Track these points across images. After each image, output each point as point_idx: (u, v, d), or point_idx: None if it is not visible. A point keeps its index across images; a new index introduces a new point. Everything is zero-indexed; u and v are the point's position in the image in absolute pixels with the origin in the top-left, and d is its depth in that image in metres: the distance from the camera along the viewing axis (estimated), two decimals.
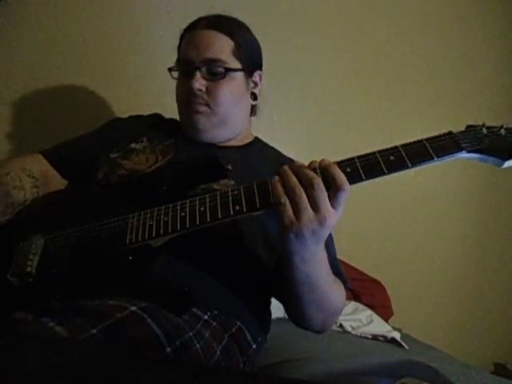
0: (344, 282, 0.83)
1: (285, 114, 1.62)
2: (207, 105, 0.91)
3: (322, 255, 0.69)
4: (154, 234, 0.66)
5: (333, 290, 0.76)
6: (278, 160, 0.95)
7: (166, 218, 0.67)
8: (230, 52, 0.92)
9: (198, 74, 0.89)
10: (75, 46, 1.32)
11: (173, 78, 0.97)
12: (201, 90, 0.90)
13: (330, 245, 0.86)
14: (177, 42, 0.93)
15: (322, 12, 1.69)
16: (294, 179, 0.60)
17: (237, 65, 0.93)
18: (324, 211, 0.59)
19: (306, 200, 0.59)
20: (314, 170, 0.61)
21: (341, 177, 0.59)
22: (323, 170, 0.61)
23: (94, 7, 1.34)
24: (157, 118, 1.10)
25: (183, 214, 0.66)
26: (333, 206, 0.60)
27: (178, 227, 0.65)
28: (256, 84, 1.00)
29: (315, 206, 0.59)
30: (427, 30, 1.88)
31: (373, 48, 1.80)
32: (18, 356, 0.38)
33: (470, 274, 2.03)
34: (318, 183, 0.58)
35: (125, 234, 0.68)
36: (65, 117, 1.29)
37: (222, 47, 0.92)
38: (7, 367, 0.37)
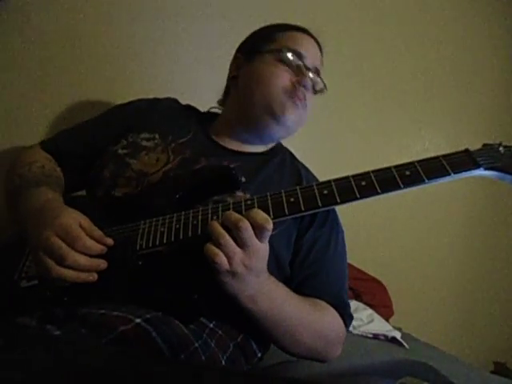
0: (341, 309, 0.80)
1: None
2: (303, 106, 0.87)
3: (271, 288, 0.68)
4: (164, 241, 0.66)
5: (307, 319, 0.73)
6: (297, 172, 0.92)
7: (177, 226, 0.66)
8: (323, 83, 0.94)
9: (311, 74, 0.88)
10: (76, 46, 1.32)
11: (259, 59, 0.88)
12: (308, 90, 0.87)
13: (330, 266, 0.84)
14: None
15: (324, 12, 1.68)
16: (219, 229, 0.61)
17: None
18: (252, 247, 0.60)
19: (233, 244, 0.60)
20: (240, 211, 0.63)
21: (262, 216, 0.60)
22: (247, 213, 0.61)
23: (96, 6, 1.33)
24: (173, 104, 1.02)
25: (195, 222, 0.66)
26: (259, 239, 0.61)
27: (190, 234, 0.65)
28: None
29: (243, 245, 0.60)
30: (431, 33, 1.88)
31: (376, 50, 1.79)
32: (19, 357, 0.38)
33: (470, 274, 2.02)
34: (244, 225, 0.59)
35: (135, 240, 0.68)
36: (66, 117, 1.29)
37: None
38: (8, 367, 0.37)
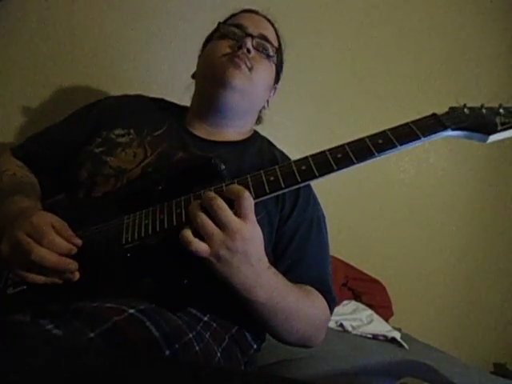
0: (327, 294, 0.80)
1: (286, 114, 1.61)
2: (249, 68, 0.86)
3: (271, 279, 0.66)
4: (150, 232, 0.65)
5: (302, 309, 0.73)
6: (274, 158, 0.92)
7: (161, 216, 0.66)
8: (275, 48, 0.94)
9: (250, 40, 0.87)
10: (76, 46, 1.32)
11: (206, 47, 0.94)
12: (250, 52, 0.86)
13: (313, 251, 0.84)
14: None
15: (322, 13, 1.69)
16: (194, 210, 0.60)
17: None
18: (232, 226, 0.58)
19: (211, 225, 0.58)
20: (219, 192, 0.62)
21: (237, 187, 0.60)
22: (225, 191, 0.61)
23: (95, 6, 1.34)
24: (143, 98, 1.01)
25: (179, 210, 0.65)
26: (240, 216, 0.59)
27: (174, 223, 0.64)
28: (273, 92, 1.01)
29: (222, 225, 0.58)
30: (427, 28, 1.88)
31: (373, 47, 1.79)
32: (18, 356, 0.38)
33: (470, 274, 2.02)
34: (216, 203, 0.58)
35: (121, 235, 0.67)
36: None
37: (274, 38, 0.95)
38: (7, 367, 0.37)
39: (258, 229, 0.62)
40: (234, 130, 0.94)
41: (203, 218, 0.58)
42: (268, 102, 1.01)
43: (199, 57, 0.99)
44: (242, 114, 0.93)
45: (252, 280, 0.63)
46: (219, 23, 0.95)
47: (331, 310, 0.81)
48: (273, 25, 0.97)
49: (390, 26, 1.82)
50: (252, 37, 0.88)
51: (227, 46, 0.88)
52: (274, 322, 0.71)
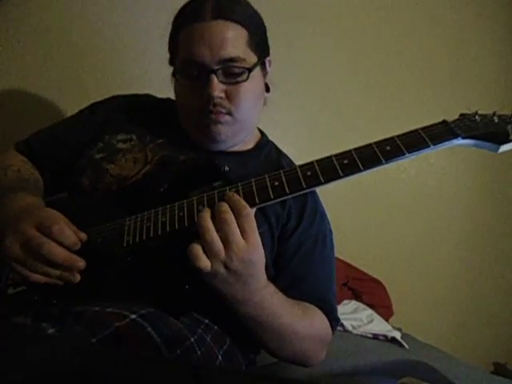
0: (329, 313, 0.78)
1: (286, 113, 1.61)
2: (229, 113, 0.78)
3: (265, 299, 0.65)
4: (151, 235, 0.65)
5: (298, 329, 0.71)
6: (280, 167, 0.84)
7: (163, 219, 0.65)
8: (245, 44, 0.78)
9: (215, 78, 0.75)
10: (77, 45, 1.32)
11: (176, 79, 0.83)
12: (221, 98, 0.76)
13: (316, 269, 0.81)
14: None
15: (322, 11, 1.68)
16: (206, 224, 0.58)
17: (253, 58, 0.80)
18: (235, 247, 0.57)
19: (219, 243, 0.57)
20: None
21: (238, 202, 0.58)
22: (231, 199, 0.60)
23: (95, 6, 1.34)
24: (151, 100, 0.97)
25: (181, 213, 0.64)
26: (243, 234, 0.58)
27: (176, 226, 0.64)
28: (267, 73, 0.87)
29: (225, 241, 0.57)
30: (427, 27, 1.87)
31: (373, 46, 1.79)
32: (18, 357, 0.38)
33: (470, 274, 2.02)
34: (227, 217, 0.57)
35: (122, 237, 0.67)
36: (65, 116, 1.29)
37: (237, 41, 0.77)
38: (7, 368, 0.37)
39: (260, 250, 0.61)
40: (241, 145, 0.90)
41: (214, 236, 0.57)
42: (268, 85, 0.89)
43: (173, 76, 0.86)
44: (242, 138, 0.88)
45: (243, 296, 0.63)
46: (176, 38, 0.83)
47: (333, 329, 0.79)
48: (229, 14, 0.77)
49: (393, 25, 1.81)
50: (215, 72, 0.75)
51: (196, 98, 0.78)
52: (264, 337, 0.70)
